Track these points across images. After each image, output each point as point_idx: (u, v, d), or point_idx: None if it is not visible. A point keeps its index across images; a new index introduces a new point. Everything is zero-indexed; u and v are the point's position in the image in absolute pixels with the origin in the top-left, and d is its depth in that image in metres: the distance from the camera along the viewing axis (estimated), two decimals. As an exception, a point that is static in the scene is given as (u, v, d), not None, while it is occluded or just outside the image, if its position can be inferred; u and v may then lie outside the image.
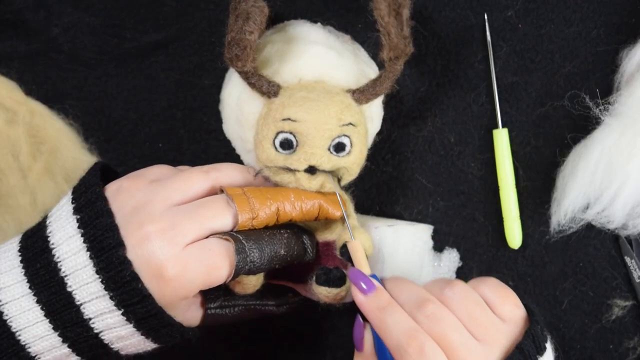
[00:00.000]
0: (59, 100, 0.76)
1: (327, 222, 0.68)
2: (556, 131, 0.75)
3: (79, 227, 0.60)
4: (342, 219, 0.68)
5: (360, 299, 0.61)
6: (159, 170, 0.65)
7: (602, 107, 0.72)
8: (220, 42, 0.75)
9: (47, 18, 0.75)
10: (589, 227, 0.74)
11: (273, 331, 0.77)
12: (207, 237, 0.61)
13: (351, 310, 0.73)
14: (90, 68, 0.76)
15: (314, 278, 0.66)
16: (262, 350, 0.77)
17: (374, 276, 0.63)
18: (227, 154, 0.75)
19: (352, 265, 0.65)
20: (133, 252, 0.59)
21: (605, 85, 0.74)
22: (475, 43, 0.76)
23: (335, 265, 0.67)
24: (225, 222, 0.61)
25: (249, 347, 0.77)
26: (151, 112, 0.76)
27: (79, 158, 0.75)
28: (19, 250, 0.61)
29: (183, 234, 0.60)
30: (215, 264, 0.60)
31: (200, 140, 0.76)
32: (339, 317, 0.75)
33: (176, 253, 0.59)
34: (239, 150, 0.72)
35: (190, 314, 0.65)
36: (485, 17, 0.75)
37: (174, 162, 0.76)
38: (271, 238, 0.63)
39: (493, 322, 0.60)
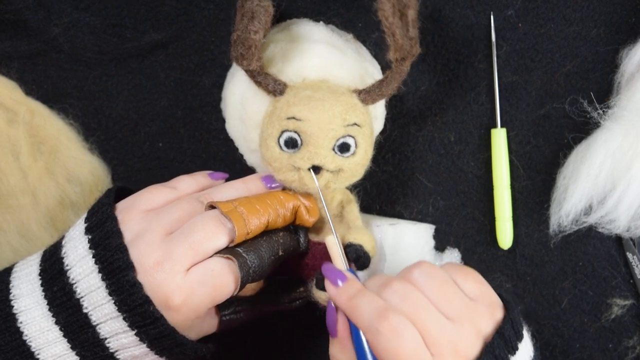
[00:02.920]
0: (59, 100, 0.76)
1: (329, 223, 0.68)
2: (556, 130, 0.75)
3: (90, 248, 0.61)
4: (339, 218, 0.69)
5: (332, 290, 0.61)
6: (154, 197, 0.65)
7: (600, 111, 0.72)
8: (221, 41, 0.76)
9: (47, 18, 0.75)
10: (589, 227, 0.74)
11: (273, 331, 0.77)
12: (208, 258, 0.62)
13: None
14: (91, 68, 0.76)
15: (314, 282, 0.66)
16: (262, 350, 0.77)
17: (350, 270, 0.63)
18: (227, 153, 0.75)
19: (357, 267, 0.66)
20: (141, 279, 0.60)
21: (605, 85, 0.74)
22: (476, 42, 0.76)
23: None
24: (219, 242, 0.62)
25: (249, 347, 0.77)
26: (151, 111, 0.76)
27: (79, 158, 0.75)
28: (40, 274, 0.62)
29: (180, 262, 0.60)
30: (220, 283, 0.61)
31: (201, 140, 0.76)
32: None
33: (178, 282, 0.60)
34: (242, 149, 0.72)
35: (206, 325, 0.65)
36: (492, 16, 0.75)
37: (174, 161, 0.76)
38: (268, 243, 0.64)
39: (463, 300, 0.59)
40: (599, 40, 0.75)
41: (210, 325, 0.66)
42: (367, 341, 0.58)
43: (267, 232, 0.65)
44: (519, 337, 0.59)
